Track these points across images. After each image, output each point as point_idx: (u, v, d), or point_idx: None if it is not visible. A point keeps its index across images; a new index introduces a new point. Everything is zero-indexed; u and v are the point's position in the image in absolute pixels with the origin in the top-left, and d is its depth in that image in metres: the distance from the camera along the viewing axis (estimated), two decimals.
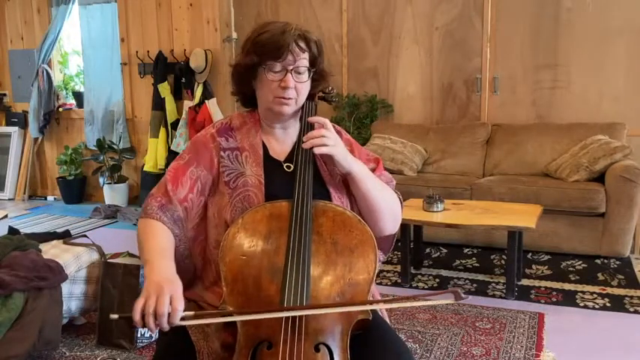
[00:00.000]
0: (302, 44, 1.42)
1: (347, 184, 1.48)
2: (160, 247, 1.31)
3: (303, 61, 1.43)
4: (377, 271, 1.33)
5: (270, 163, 1.46)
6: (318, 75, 1.49)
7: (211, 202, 1.44)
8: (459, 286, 3.32)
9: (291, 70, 1.41)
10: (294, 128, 1.52)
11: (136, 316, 1.13)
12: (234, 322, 1.24)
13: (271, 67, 1.41)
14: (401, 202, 1.54)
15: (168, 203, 1.39)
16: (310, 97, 1.52)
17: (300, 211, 1.32)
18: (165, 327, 1.13)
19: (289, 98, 1.42)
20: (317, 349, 1.20)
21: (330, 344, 1.21)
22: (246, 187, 1.41)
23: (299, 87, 1.43)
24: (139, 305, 1.14)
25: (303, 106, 1.50)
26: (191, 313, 1.18)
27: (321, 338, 1.21)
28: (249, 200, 1.40)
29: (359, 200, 1.46)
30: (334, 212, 1.37)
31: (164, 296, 1.13)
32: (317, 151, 1.36)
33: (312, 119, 1.46)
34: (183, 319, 1.15)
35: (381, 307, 1.23)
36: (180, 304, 1.14)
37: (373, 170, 1.54)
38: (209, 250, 1.43)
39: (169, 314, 1.13)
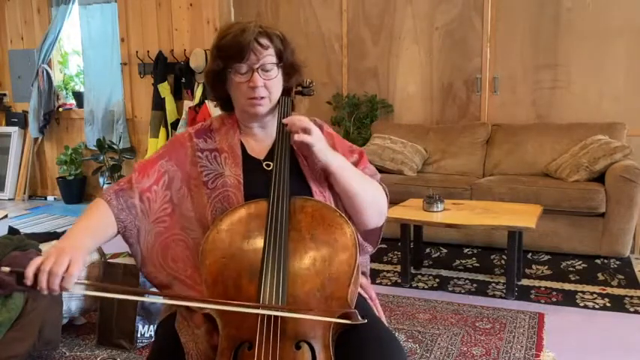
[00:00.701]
0: (263, 41, 1.41)
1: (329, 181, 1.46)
2: (87, 225, 1.35)
3: (269, 57, 1.41)
4: (359, 265, 1.31)
5: (249, 162, 1.46)
6: (288, 68, 1.48)
7: (191, 202, 1.43)
8: (459, 286, 3.32)
9: (257, 68, 1.40)
10: (272, 127, 1.50)
11: (29, 271, 1.14)
12: (219, 326, 1.24)
13: (237, 69, 1.41)
14: (387, 195, 1.52)
15: (127, 189, 1.42)
16: (286, 92, 1.50)
17: (276, 210, 1.31)
18: (56, 289, 1.15)
19: (262, 97, 1.42)
20: (298, 347, 1.19)
21: (312, 341, 1.20)
22: (225, 187, 1.41)
23: (269, 84, 1.42)
24: (35, 261, 1.16)
25: (279, 101, 1.48)
26: (87, 281, 1.21)
27: (301, 336, 1.20)
28: (228, 200, 1.40)
29: (340, 195, 1.44)
30: (313, 207, 1.35)
31: (63, 258, 1.16)
32: (297, 137, 1.35)
33: (288, 120, 1.41)
34: (79, 287, 1.18)
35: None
36: (76, 269, 1.17)
37: (356, 163, 1.52)
38: (190, 251, 1.41)
39: (63, 277, 1.15)
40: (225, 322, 1.23)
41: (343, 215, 1.36)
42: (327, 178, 1.46)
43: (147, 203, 1.42)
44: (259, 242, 1.29)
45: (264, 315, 1.19)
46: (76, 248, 1.21)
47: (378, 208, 1.48)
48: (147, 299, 1.28)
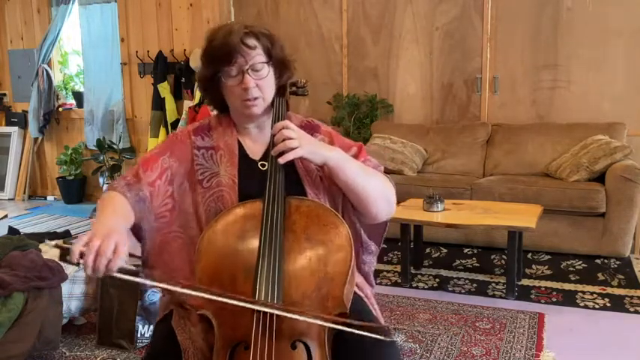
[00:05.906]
0: (250, 41, 1.40)
1: (329, 181, 1.44)
2: (113, 211, 1.31)
3: (257, 57, 1.41)
4: (354, 264, 1.30)
5: (245, 162, 1.46)
6: (279, 65, 1.47)
7: (188, 199, 1.43)
8: (459, 286, 3.32)
9: (247, 69, 1.39)
10: (268, 127, 1.49)
11: (76, 248, 1.11)
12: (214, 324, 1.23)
13: (228, 73, 1.40)
14: (393, 185, 1.49)
15: (135, 183, 1.40)
16: (281, 92, 1.50)
17: (270, 211, 1.30)
18: (102, 269, 1.12)
19: (255, 98, 1.41)
20: (294, 347, 1.19)
21: (307, 341, 1.20)
22: (219, 186, 1.41)
23: (261, 84, 1.42)
24: (83, 239, 1.13)
25: (273, 102, 1.48)
26: (132, 266, 1.18)
27: (297, 336, 1.20)
28: (222, 200, 1.39)
29: (345, 190, 1.41)
30: (308, 208, 1.35)
31: (110, 239, 1.13)
32: (282, 160, 1.31)
33: (275, 129, 1.37)
34: (122, 271, 1.15)
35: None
36: (123, 251, 1.14)
37: (355, 156, 1.48)
38: (187, 249, 1.41)
39: (110, 259, 1.12)
40: (221, 322, 1.23)
41: (338, 215, 1.35)
42: (326, 175, 1.44)
43: (151, 198, 1.41)
44: (254, 243, 1.28)
45: (259, 314, 1.18)
46: (119, 232, 1.18)
47: (386, 198, 1.45)
48: (198, 294, 1.24)
